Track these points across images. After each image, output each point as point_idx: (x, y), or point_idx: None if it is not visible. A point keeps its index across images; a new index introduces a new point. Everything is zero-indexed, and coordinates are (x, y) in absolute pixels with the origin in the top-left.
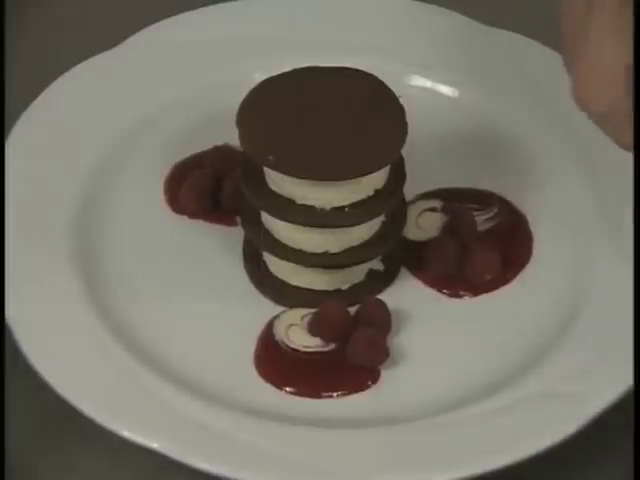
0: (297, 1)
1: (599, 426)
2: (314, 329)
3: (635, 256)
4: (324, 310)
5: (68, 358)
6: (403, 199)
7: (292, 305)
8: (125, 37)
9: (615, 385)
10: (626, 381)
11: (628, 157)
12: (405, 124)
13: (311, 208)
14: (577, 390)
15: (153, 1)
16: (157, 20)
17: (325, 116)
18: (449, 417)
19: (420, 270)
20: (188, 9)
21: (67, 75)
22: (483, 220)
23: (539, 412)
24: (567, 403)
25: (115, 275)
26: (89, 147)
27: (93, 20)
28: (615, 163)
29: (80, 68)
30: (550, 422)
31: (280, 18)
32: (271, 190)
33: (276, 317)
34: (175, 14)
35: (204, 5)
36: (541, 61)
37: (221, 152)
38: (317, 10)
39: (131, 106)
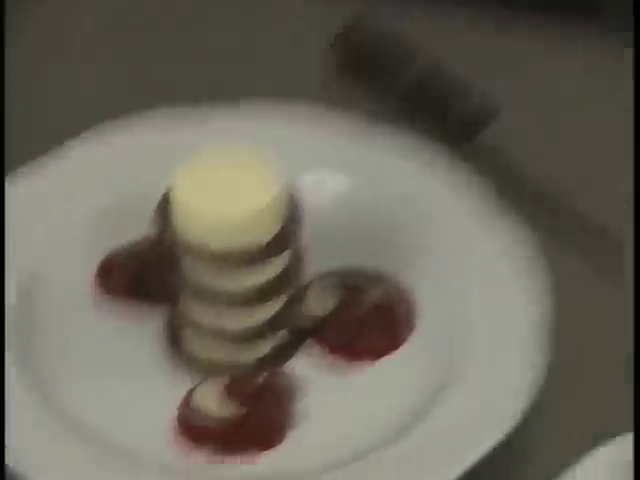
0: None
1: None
2: (226, 397)
3: (635, 259)
4: (234, 380)
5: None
6: (301, 280)
7: (206, 376)
8: (125, 37)
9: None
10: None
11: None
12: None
13: (216, 291)
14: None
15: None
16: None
17: None
18: (360, 464)
19: (322, 340)
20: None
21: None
22: (373, 296)
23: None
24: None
25: (50, 353)
26: (25, 244)
27: (93, 20)
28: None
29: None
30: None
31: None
32: (185, 275)
33: (193, 389)
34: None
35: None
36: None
37: (149, 241)
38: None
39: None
